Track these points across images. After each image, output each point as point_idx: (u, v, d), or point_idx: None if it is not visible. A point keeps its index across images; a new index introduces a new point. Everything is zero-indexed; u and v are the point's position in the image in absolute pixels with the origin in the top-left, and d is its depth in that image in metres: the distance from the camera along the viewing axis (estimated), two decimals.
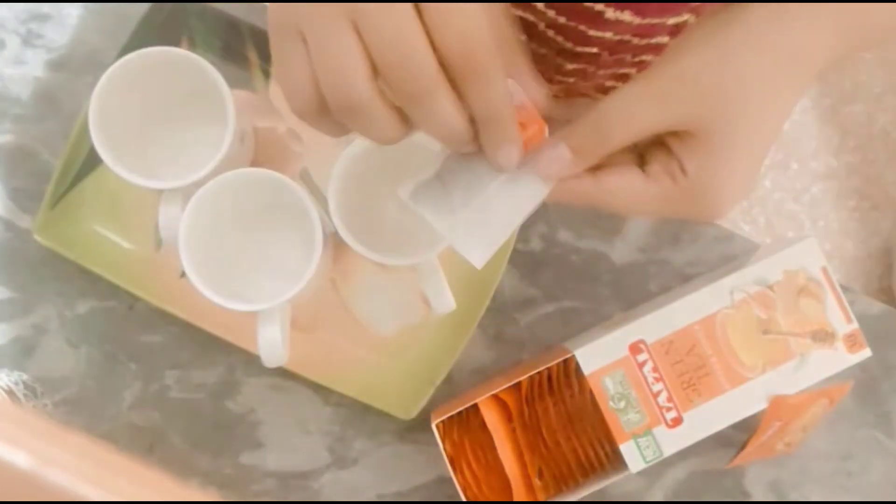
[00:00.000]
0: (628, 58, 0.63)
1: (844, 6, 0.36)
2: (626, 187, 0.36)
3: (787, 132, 1.48)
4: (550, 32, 0.59)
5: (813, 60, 0.36)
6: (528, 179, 0.38)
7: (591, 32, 0.58)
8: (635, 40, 0.59)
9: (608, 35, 0.58)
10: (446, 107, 0.32)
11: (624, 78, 0.69)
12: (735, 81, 0.34)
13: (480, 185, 0.38)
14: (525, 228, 0.60)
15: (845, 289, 0.56)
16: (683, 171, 0.35)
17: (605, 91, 0.73)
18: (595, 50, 0.61)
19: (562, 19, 0.57)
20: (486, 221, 0.39)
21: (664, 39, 0.60)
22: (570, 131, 0.36)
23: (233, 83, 0.52)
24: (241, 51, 0.59)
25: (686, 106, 0.34)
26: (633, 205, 0.37)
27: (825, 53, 0.36)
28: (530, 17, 0.58)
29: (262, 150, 0.59)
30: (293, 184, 0.50)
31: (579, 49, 0.60)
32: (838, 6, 0.36)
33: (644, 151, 0.37)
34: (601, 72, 0.66)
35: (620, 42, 0.59)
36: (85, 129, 0.52)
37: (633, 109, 0.35)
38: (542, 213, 0.61)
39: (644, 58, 0.64)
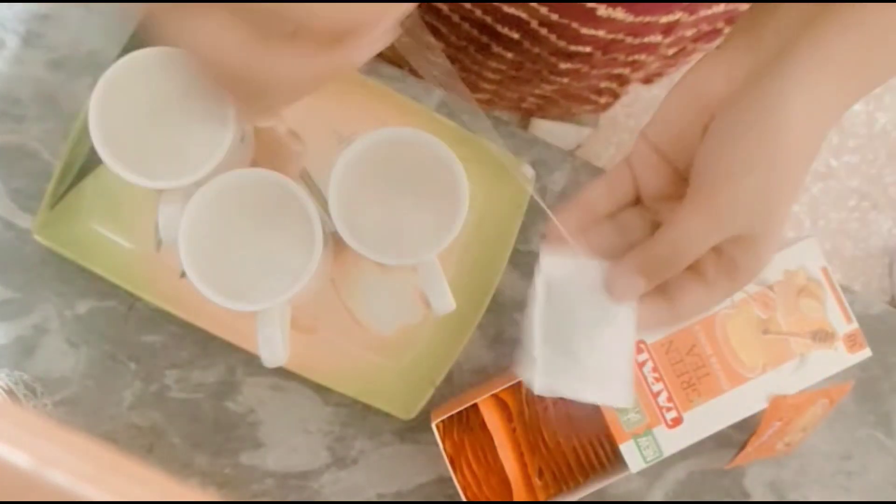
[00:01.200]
0: (621, 57, 0.63)
1: (847, 75, 0.37)
2: (696, 301, 0.39)
3: None
4: (543, 31, 0.59)
5: (828, 129, 0.39)
6: (616, 310, 0.40)
7: (584, 30, 0.58)
8: (628, 39, 0.59)
9: (601, 33, 0.58)
10: None
11: (618, 78, 0.69)
12: (779, 195, 0.38)
13: (583, 336, 0.40)
14: (525, 228, 0.60)
15: (845, 289, 0.56)
16: (736, 267, 0.39)
17: (600, 92, 0.73)
18: (588, 49, 0.61)
19: (554, 16, 0.57)
20: (614, 366, 0.41)
21: (657, 38, 0.60)
22: (640, 260, 0.39)
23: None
24: None
25: (740, 225, 0.38)
26: (702, 312, 0.41)
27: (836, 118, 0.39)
28: (523, 15, 0.58)
29: (262, 150, 0.59)
30: (293, 184, 0.50)
31: (572, 48, 0.60)
32: (840, 75, 0.37)
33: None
34: (595, 72, 0.66)
35: (614, 41, 0.59)
36: (85, 129, 0.52)
37: (695, 236, 0.38)
38: (543, 213, 0.61)
39: (637, 57, 0.64)
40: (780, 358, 0.53)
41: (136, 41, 0.57)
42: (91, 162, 0.57)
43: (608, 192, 0.41)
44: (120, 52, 0.56)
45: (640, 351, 0.53)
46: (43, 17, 0.60)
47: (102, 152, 0.50)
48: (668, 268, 0.38)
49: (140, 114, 0.54)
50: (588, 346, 0.40)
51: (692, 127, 0.39)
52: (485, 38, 0.63)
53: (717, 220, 0.37)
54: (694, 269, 0.39)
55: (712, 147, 0.38)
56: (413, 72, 0.75)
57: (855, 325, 0.54)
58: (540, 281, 0.42)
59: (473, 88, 0.72)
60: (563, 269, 0.41)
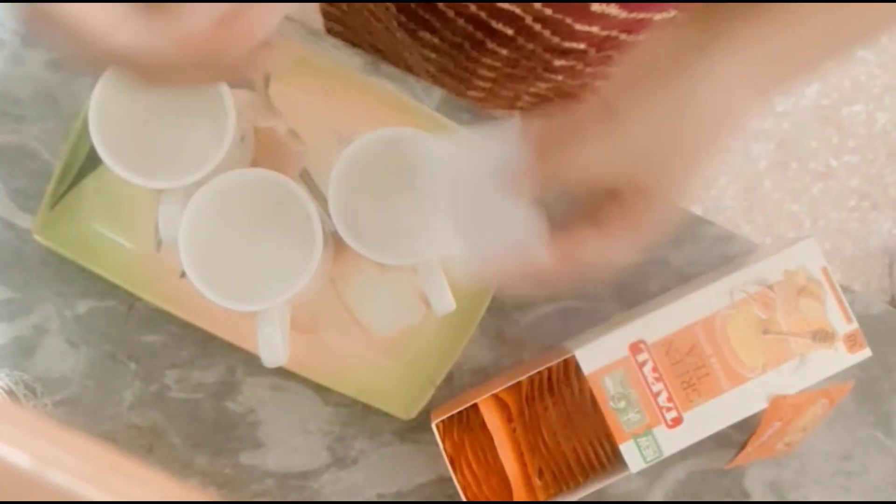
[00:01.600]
0: (616, 55, 0.63)
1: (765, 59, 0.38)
2: (596, 248, 0.40)
3: (788, 132, 1.48)
4: (537, 27, 0.59)
5: (737, 120, 0.39)
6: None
7: (578, 26, 0.58)
8: (622, 36, 0.59)
9: (595, 30, 0.58)
10: None
11: None
12: (683, 149, 0.38)
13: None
14: None
15: (845, 289, 0.56)
16: (634, 216, 0.39)
17: (595, 91, 0.73)
18: (583, 46, 0.61)
19: (548, 11, 0.57)
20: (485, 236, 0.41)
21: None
22: (539, 161, 0.39)
23: (233, 83, 0.52)
24: None
25: (639, 166, 0.38)
26: (603, 261, 0.40)
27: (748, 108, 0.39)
28: (517, 11, 0.58)
29: (262, 150, 0.59)
30: (293, 184, 0.50)
31: (567, 44, 0.60)
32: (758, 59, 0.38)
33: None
34: (589, 69, 0.66)
35: (608, 38, 0.59)
36: (85, 129, 0.52)
37: (595, 152, 0.38)
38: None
39: None
40: (780, 358, 0.53)
41: None
42: (91, 162, 0.57)
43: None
44: None
45: (640, 351, 0.53)
46: None
47: (102, 152, 0.50)
48: (559, 174, 0.39)
49: (140, 113, 0.54)
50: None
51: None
52: (479, 35, 0.63)
53: (620, 144, 0.38)
54: (595, 218, 0.39)
55: (634, 80, 0.38)
56: (409, 68, 0.76)
57: (855, 325, 0.54)
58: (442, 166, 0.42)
59: (469, 85, 0.72)
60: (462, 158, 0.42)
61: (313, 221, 0.50)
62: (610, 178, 0.38)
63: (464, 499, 0.54)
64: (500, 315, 0.60)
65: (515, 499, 0.54)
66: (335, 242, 0.54)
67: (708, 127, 0.38)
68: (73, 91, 0.60)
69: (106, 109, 0.50)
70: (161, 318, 0.58)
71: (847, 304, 0.54)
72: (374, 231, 0.55)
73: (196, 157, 0.51)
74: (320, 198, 0.58)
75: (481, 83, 0.71)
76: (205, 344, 0.59)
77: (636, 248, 0.40)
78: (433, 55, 0.69)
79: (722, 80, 0.37)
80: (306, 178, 0.59)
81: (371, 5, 0.70)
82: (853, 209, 1.47)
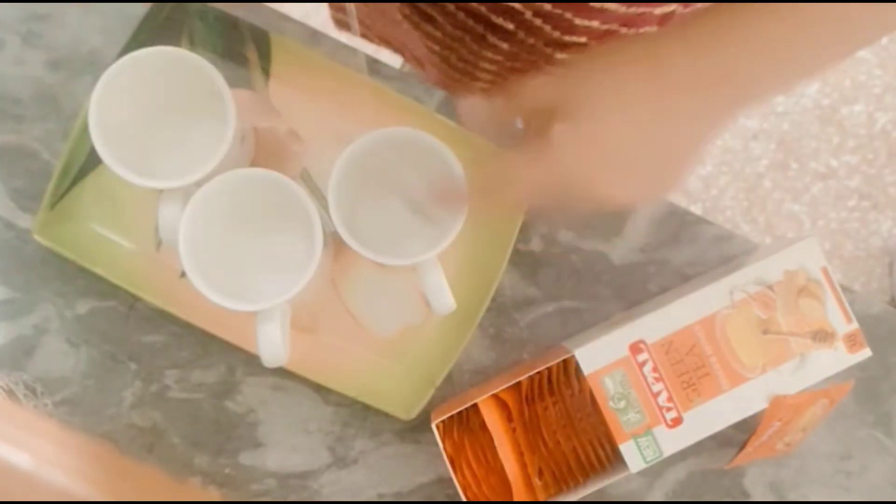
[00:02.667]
0: None
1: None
2: (514, 168, 0.43)
3: (787, 132, 1.48)
4: (538, 21, 0.59)
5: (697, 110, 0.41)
6: None
7: (578, 21, 0.58)
8: (623, 30, 0.59)
9: (595, 24, 0.58)
10: None
11: None
12: (613, 92, 0.41)
13: None
14: (525, 228, 0.60)
15: (845, 289, 0.56)
16: (552, 146, 0.41)
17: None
18: (584, 40, 0.61)
19: (547, 6, 0.57)
20: None
21: (652, 30, 0.60)
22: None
23: (233, 83, 0.52)
24: (241, 51, 0.59)
25: (567, 90, 0.41)
26: (519, 183, 0.44)
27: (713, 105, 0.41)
28: (517, 6, 0.58)
29: (262, 150, 0.59)
30: (293, 184, 0.50)
31: (567, 38, 0.60)
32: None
33: None
34: None
35: (608, 32, 0.59)
36: (85, 129, 0.52)
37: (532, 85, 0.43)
38: (543, 214, 0.61)
39: None
40: (780, 358, 0.54)
41: (136, 41, 0.57)
42: (91, 162, 0.57)
43: None
44: (120, 52, 0.56)
45: (640, 351, 0.53)
46: (43, 17, 0.60)
47: (102, 152, 0.50)
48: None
49: (140, 114, 0.54)
50: None
51: None
52: (480, 28, 0.63)
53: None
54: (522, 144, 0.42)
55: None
56: (416, 59, 0.76)
57: (855, 325, 0.54)
58: None
59: (472, 78, 0.73)
60: None
61: (313, 221, 0.50)
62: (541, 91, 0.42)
63: (464, 499, 0.54)
64: (500, 315, 0.60)
65: (515, 499, 0.54)
66: (335, 242, 0.54)
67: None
68: (73, 91, 0.60)
69: (106, 109, 0.50)
70: (161, 318, 0.58)
71: (847, 304, 0.54)
72: (374, 231, 0.55)
73: (196, 157, 0.51)
74: (320, 198, 0.58)
75: (485, 75, 0.72)
76: (205, 344, 0.59)
77: (544, 174, 0.42)
78: (436, 47, 0.69)
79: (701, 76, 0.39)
80: (306, 178, 0.59)
81: None
82: (853, 209, 1.47)
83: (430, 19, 0.65)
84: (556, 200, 0.43)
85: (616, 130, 0.40)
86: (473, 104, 0.46)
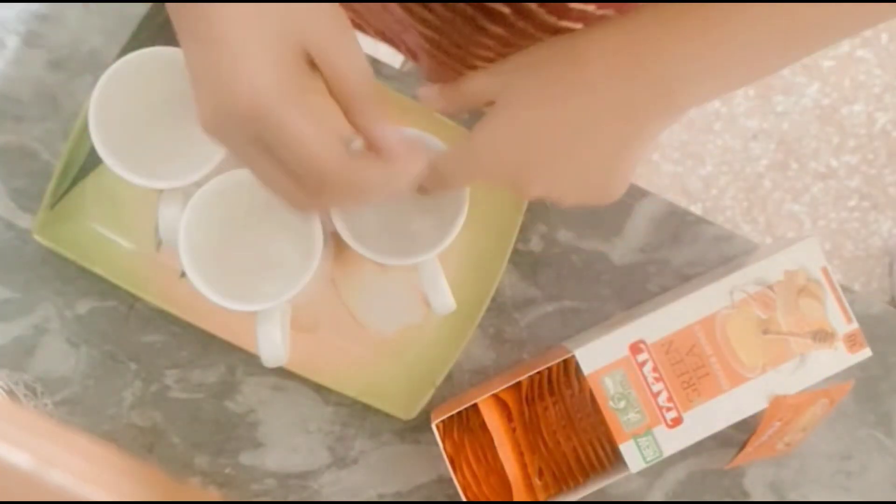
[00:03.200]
0: None
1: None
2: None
3: (787, 132, 1.48)
4: (532, 5, 0.59)
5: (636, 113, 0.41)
6: None
7: (572, 4, 0.58)
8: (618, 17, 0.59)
9: (590, 8, 0.58)
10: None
11: None
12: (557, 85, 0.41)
13: None
14: (525, 228, 0.60)
15: (845, 289, 0.56)
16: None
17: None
18: (578, 26, 0.61)
19: None
20: None
21: (578, 27, 0.60)
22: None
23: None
24: None
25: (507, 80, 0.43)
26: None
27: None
28: None
29: None
30: None
31: (562, 24, 0.60)
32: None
33: None
34: None
35: (603, 18, 0.59)
36: (85, 129, 0.52)
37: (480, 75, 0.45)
38: (543, 213, 0.61)
39: None
40: (780, 358, 0.53)
41: (136, 41, 0.57)
42: (91, 162, 0.57)
43: None
44: (120, 52, 0.57)
45: (640, 351, 0.53)
46: (43, 17, 0.60)
47: (102, 152, 0.50)
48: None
49: (140, 114, 0.54)
50: None
51: None
52: (473, 11, 0.63)
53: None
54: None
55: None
56: (409, 51, 0.76)
57: (855, 325, 0.54)
58: None
59: (466, 66, 0.72)
60: None
61: (313, 221, 0.50)
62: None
63: (464, 499, 0.54)
64: (500, 315, 0.60)
65: (515, 499, 0.54)
66: (335, 242, 0.54)
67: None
68: (73, 91, 0.60)
69: (106, 109, 0.50)
70: (161, 318, 0.58)
71: (847, 304, 0.54)
72: (375, 231, 0.55)
73: (196, 157, 0.51)
74: None
75: (479, 63, 0.71)
76: (205, 344, 0.59)
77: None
78: (429, 32, 0.69)
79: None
80: None
81: None
82: (853, 209, 1.47)
83: (423, 3, 0.65)
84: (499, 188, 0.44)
85: (535, 125, 0.41)
86: (429, 94, 0.47)
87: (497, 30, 0.64)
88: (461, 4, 0.63)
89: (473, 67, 0.73)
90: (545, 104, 0.41)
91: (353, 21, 0.80)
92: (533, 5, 0.59)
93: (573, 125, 0.41)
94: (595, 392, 0.52)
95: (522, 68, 0.42)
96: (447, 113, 0.48)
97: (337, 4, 0.39)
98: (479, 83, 0.44)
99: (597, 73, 0.40)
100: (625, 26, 0.40)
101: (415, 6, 0.66)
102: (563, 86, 0.41)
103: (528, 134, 0.41)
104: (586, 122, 0.41)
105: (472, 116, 0.61)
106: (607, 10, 0.59)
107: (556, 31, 0.62)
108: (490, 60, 0.70)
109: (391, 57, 0.83)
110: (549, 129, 0.41)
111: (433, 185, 0.45)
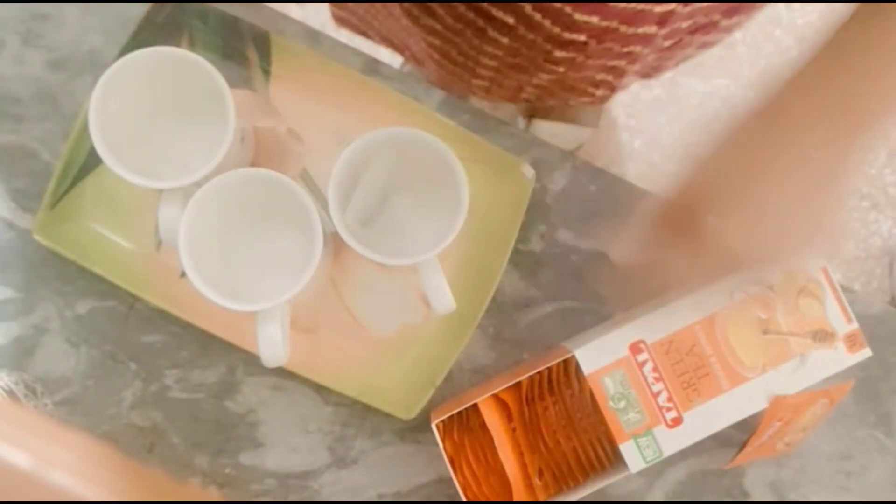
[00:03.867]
0: (617, 48, 0.63)
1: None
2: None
3: None
4: (537, 15, 0.59)
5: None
6: None
7: (577, 16, 0.58)
8: (623, 28, 0.60)
9: (594, 20, 0.58)
10: None
11: (614, 70, 0.69)
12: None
13: None
14: (525, 228, 0.60)
15: (845, 289, 0.56)
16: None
17: (597, 85, 0.73)
18: (583, 37, 0.61)
19: None
20: None
21: (652, 29, 0.60)
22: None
23: (233, 83, 0.52)
24: (241, 51, 0.59)
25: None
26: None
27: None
28: None
29: (262, 150, 0.59)
30: (293, 184, 0.50)
31: (567, 35, 0.60)
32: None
33: None
34: (591, 62, 0.66)
35: (608, 29, 0.59)
36: (85, 129, 0.52)
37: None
38: (543, 213, 0.61)
39: (633, 48, 0.64)
40: (780, 358, 0.53)
41: (136, 41, 0.57)
42: (91, 162, 0.57)
43: None
44: (120, 52, 0.57)
45: (640, 351, 0.53)
46: (43, 17, 0.60)
47: (102, 152, 0.50)
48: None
49: (140, 114, 0.54)
50: None
51: None
52: (480, 22, 0.63)
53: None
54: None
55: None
56: (414, 56, 0.76)
57: (855, 325, 0.54)
58: None
59: (472, 74, 0.73)
60: None
61: (313, 221, 0.50)
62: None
63: (464, 499, 0.54)
64: (500, 315, 0.60)
65: (515, 499, 0.54)
66: (335, 242, 0.54)
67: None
68: (73, 91, 0.60)
69: (106, 109, 0.50)
70: (161, 318, 0.58)
71: (847, 304, 0.54)
72: (375, 231, 0.55)
73: (196, 157, 0.51)
74: (320, 198, 0.58)
75: (484, 72, 0.72)
76: (205, 344, 0.59)
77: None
78: (436, 41, 0.69)
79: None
80: (306, 178, 0.59)
81: None
82: (853, 209, 1.47)
83: (430, 12, 0.65)
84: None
85: (767, 208, 0.44)
86: (624, 249, 0.50)
87: (504, 40, 0.64)
88: (470, 14, 0.63)
89: (478, 76, 0.73)
90: (775, 184, 0.44)
91: (357, 27, 0.80)
92: (538, 15, 0.59)
93: (799, 189, 0.44)
94: (595, 392, 0.52)
95: (732, 164, 0.46)
96: (646, 255, 0.50)
97: None
98: (681, 199, 0.46)
99: (807, 130, 0.45)
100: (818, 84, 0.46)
101: (422, 17, 0.67)
102: (784, 162, 0.44)
103: (767, 213, 0.44)
104: (807, 181, 0.45)
105: (472, 116, 0.61)
106: (611, 22, 0.59)
107: (563, 44, 0.62)
108: (495, 69, 0.71)
109: (391, 57, 0.83)
110: (780, 201, 0.44)
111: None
